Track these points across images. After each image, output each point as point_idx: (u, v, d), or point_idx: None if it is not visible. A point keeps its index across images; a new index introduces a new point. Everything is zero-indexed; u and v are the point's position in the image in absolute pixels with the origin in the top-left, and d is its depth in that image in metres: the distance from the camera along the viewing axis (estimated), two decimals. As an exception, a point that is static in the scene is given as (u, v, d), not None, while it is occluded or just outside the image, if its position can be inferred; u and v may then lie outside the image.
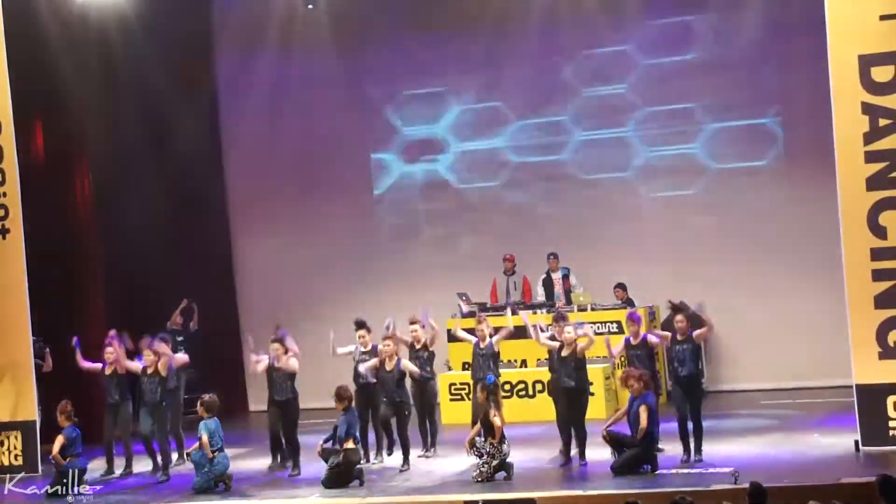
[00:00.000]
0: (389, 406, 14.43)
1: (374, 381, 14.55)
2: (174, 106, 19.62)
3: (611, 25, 19.24)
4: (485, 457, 13.12)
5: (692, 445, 13.40)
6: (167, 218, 19.80)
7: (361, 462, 13.70)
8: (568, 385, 13.79)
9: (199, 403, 13.99)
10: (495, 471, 13.10)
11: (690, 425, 13.41)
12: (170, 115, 19.63)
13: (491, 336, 14.81)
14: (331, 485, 13.28)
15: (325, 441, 13.76)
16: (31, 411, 15.38)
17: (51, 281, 17.00)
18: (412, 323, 14.92)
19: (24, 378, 15.42)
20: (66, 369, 15.83)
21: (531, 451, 14.42)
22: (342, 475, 13.35)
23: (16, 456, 15.40)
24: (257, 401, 20.29)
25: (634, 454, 12.97)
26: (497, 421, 13.22)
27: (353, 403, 13.87)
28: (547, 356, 14.80)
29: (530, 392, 17.04)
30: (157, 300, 18.93)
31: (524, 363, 17.46)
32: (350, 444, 13.44)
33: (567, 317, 14.67)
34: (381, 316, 15.11)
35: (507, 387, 16.63)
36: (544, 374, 16.87)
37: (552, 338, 14.28)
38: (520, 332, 15.10)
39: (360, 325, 14.96)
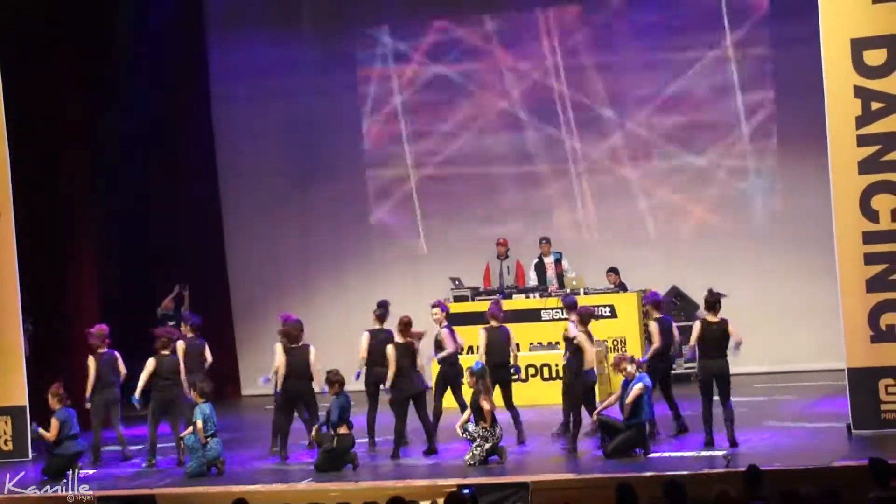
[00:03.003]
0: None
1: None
2: (167, 93, 19.56)
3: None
4: (477, 440, 13.13)
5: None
6: (160, 203, 19.76)
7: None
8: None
9: (192, 388, 13.96)
10: (488, 454, 13.11)
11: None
12: (162, 101, 19.55)
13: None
14: (324, 469, 13.28)
15: (319, 426, 13.76)
16: (20, 396, 15.31)
17: (42, 266, 16.95)
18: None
19: (14, 362, 15.35)
20: (54, 352, 15.79)
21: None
22: (335, 460, 13.36)
23: (6, 441, 15.38)
24: (250, 386, 20.28)
25: (627, 438, 12.97)
26: (486, 405, 13.21)
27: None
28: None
29: (523, 376, 16.97)
30: (150, 285, 19.00)
31: (517, 346, 17.40)
32: (343, 429, 13.43)
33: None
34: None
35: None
36: (537, 359, 16.94)
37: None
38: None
39: (435, 304, 14.61)
